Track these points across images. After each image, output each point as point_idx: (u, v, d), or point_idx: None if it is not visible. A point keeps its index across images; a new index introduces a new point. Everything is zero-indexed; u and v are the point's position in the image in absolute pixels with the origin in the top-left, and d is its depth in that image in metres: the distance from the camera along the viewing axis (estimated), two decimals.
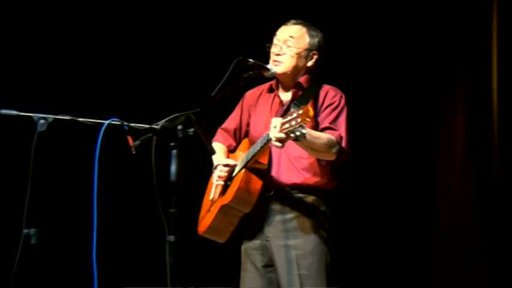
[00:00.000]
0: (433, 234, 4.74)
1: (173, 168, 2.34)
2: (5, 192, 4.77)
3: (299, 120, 2.35)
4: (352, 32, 4.98)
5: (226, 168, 2.84)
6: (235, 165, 2.87)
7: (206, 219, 2.95)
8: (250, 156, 2.74)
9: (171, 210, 2.31)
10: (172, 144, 2.37)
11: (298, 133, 2.38)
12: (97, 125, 2.60)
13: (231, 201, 2.75)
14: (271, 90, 2.98)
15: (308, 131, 2.48)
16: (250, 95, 3.08)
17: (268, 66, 2.84)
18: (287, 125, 2.40)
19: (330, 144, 2.70)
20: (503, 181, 4.61)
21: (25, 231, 2.56)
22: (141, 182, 5.45)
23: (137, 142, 2.43)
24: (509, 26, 4.63)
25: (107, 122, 2.56)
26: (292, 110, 2.50)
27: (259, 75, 2.79)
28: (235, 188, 2.73)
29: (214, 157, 2.88)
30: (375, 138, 4.85)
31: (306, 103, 2.71)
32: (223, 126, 3.10)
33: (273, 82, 2.96)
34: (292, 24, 2.93)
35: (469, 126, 4.80)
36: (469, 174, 4.79)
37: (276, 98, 2.94)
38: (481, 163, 4.74)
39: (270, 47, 2.91)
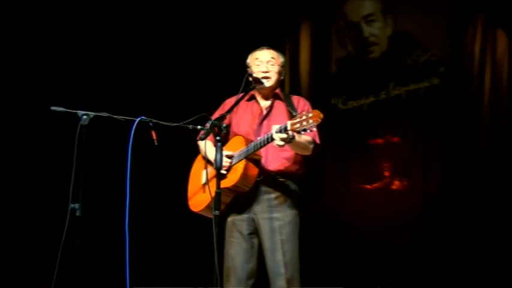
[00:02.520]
0: None
1: (218, 156, 3.05)
2: (55, 175, 5.48)
3: (311, 121, 3.01)
4: None
5: (229, 160, 3.51)
6: (232, 156, 3.54)
7: (202, 200, 3.61)
8: (251, 150, 3.41)
9: (216, 190, 3.04)
10: (218, 138, 3.10)
11: (307, 131, 3.05)
12: (129, 121, 3.20)
13: (237, 182, 3.43)
14: (250, 99, 3.68)
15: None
16: (229, 102, 3.71)
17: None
18: (298, 125, 3.05)
19: (309, 143, 3.45)
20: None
21: (71, 205, 3.10)
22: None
23: (203, 136, 3.20)
24: None
25: (138, 119, 3.17)
26: (302, 113, 3.12)
27: (253, 88, 3.52)
28: (241, 173, 3.42)
29: (210, 150, 3.57)
30: None
31: (293, 109, 3.46)
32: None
33: (252, 92, 3.66)
34: (267, 49, 3.70)
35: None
36: None
37: (256, 105, 3.66)
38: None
39: (249, 68, 3.66)
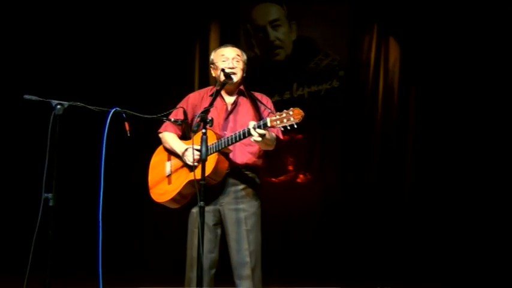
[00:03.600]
0: None
1: (203, 148, 3.14)
2: (28, 164, 5.28)
3: (292, 119, 3.15)
4: None
5: (197, 152, 3.46)
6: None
7: (168, 191, 3.67)
8: (225, 144, 3.48)
9: (200, 182, 3.12)
10: (204, 131, 3.17)
11: (288, 126, 3.18)
12: (103, 112, 3.16)
13: (209, 174, 3.47)
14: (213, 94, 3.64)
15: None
16: (194, 96, 3.82)
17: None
18: (278, 122, 3.19)
19: (274, 139, 3.57)
20: None
21: (44, 195, 2.99)
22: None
23: (195, 128, 3.25)
24: None
25: (112, 110, 3.16)
26: (283, 111, 3.23)
27: (226, 83, 3.57)
28: (213, 166, 3.50)
29: (176, 143, 3.65)
30: None
31: (262, 105, 3.64)
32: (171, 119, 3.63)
33: (217, 88, 3.67)
34: (232, 46, 3.77)
35: None
36: None
37: (221, 100, 3.71)
38: None
39: (213, 65, 3.74)
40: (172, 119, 3.56)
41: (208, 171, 3.46)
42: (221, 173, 3.57)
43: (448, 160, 6.49)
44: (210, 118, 3.25)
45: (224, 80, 3.56)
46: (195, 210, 3.66)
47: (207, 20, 6.82)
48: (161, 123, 3.78)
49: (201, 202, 3.12)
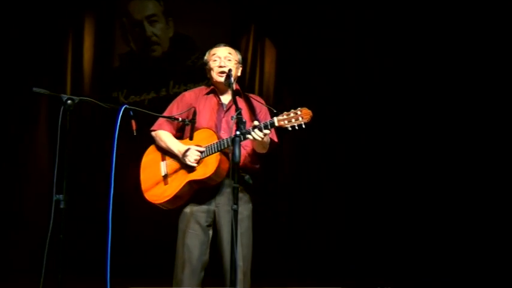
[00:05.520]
0: None
1: (237, 151, 3.01)
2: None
3: (301, 119, 3.12)
4: None
5: (198, 153, 3.44)
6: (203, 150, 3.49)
7: (165, 192, 3.53)
8: (226, 144, 3.35)
9: (234, 185, 2.99)
10: (238, 133, 3.06)
11: (296, 126, 3.14)
12: (113, 108, 3.11)
13: (212, 174, 3.39)
14: (209, 93, 3.66)
15: None
16: (189, 95, 3.71)
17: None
18: (286, 122, 3.15)
19: (269, 142, 3.48)
20: None
21: (55, 196, 2.87)
22: None
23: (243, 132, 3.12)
24: None
25: (123, 106, 3.06)
26: (291, 110, 3.18)
27: (228, 83, 3.43)
28: (216, 166, 3.38)
29: (174, 142, 3.55)
30: None
31: (249, 104, 3.55)
32: (166, 118, 3.64)
33: (212, 87, 3.66)
34: (224, 46, 3.69)
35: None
36: None
37: (215, 99, 3.63)
38: None
39: (207, 65, 3.66)
40: (180, 119, 3.42)
41: (209, 172, 3.42)
42: (222, 173, 3.47)
43: (321, 160, 6.70)
44: (244, 120, 3.15)
45: (227, 81, 3.42)
46: (188, 210, 3.55)
47: (82, 11, 6.59)
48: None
49: (235, 206, 2.99)
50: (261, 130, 3.21)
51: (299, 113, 3.16)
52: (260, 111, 3.63)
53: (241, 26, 6.75)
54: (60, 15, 6.47)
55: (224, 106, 3.63)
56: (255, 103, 3.64)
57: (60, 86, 6.33)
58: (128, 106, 3.09)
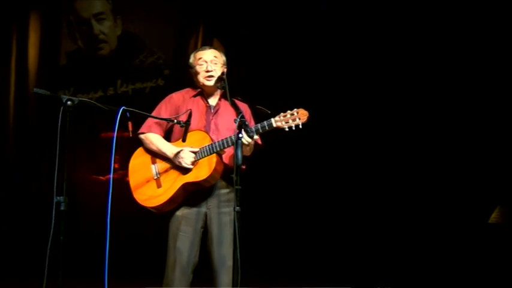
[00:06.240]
0: None
1: (239, 153, 3.09)
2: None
3: (298, 119, 3.21)
4: None
5: (193, 154, 3.45)
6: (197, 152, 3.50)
7: (159, 195, 3.53)
8: (224, 145, 3.40)
9: (236, 187, 3.05)
10: (240, 136, 3.14)
11: (293, 127, 3.22)
12: (111, 110, 3.09)
13: (208, 176, 3.41)
14: (196, 95, 3.68)
15: None
16: (176, 96, 3.71)
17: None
18: (283, 122, 3.23)
19: (253, 143, 3.52)
20: None
21: (56, 198, 2.84)
22: None
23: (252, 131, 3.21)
24: None
25: (121, 108, 3.07)
26: (287, 111, 3.26)
27: (222, 86, 3.46)
28: (212, 168, 3.41)
29: (165, 145, 3.55)
30: None
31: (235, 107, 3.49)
32: (155, 120, 3.64)
33: (199, 90, 3.67)
34: (209, 48, 3.71)
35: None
36: None
37: (203, 102, 3.66)
38: None
39: (192, 69, 3.66)
40: (175, 120, 3.39)
41: (205, 174, 3.45)
42: (216, 176, 3.49)
43: (282, 162, 6.72)
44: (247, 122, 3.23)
45: (219, 84, 3.45)
46: (179, 213, 3.56)
47: (27, 8, 6.44)
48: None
49: (238, 207, 3.05)
50: (259, 131, 3.32)
51: (295, 113, 3.27)
52: (245, 114, 3.65)
53: (188, 25, 6.80)
54: (4, 11, 6.29)
55: (212, 108, 3.67)
56: (240, 106, 3.63)
57: (4, 83, 6.17)
58: (125, 108, 3.11)
